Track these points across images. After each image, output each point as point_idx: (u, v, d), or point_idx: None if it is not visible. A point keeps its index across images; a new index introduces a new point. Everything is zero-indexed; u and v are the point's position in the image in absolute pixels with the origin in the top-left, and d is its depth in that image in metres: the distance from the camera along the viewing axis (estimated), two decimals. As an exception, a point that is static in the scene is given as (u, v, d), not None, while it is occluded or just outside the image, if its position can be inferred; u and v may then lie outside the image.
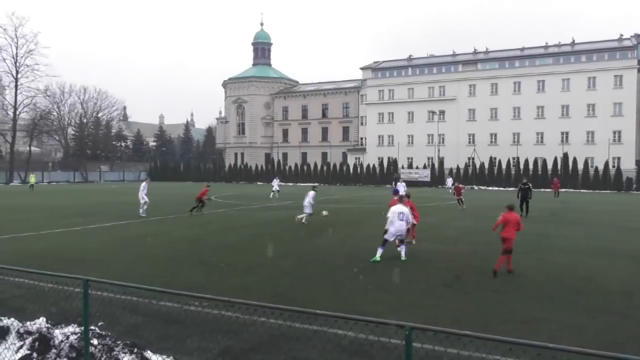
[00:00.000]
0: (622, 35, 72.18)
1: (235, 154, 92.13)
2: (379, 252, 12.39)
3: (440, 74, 76.46)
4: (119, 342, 6.32)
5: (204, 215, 23.66)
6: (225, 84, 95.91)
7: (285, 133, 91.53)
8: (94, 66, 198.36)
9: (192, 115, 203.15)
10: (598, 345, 6.40)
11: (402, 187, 32.06)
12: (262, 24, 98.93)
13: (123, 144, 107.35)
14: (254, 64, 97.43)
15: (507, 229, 11.24)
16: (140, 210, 22.80)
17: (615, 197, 43.45)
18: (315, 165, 77.66)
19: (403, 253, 12.56)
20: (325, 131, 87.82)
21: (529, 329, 7.19)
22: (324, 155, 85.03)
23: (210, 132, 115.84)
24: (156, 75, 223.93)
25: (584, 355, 3.49)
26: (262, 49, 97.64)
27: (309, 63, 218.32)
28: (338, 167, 75.42)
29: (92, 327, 6.37)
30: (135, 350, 6.15)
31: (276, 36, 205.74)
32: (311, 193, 21.24)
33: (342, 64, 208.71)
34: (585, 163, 60.51)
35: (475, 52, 79.53)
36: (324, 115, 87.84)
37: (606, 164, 59.79)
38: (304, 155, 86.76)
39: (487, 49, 79.36)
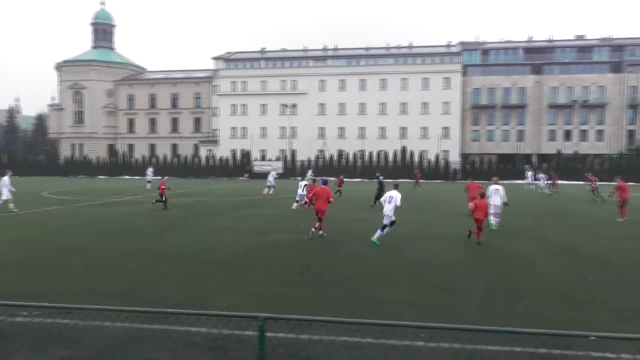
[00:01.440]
0: (449, 42, 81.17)
1: (73, 145, 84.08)
2: (378, 234, 13.71)
3: (292, 68, 78.24)
4: None
5: (36, 214, 21.17)
6: (59, 67, 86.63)
7: (131, 123, 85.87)
8: None
9: (17, 100, 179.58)
10: (432, 319, 7.10)
11: (272, 177, 33.04)
12: (102, 3, 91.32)
13: None
14: (94, 47, 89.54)
15: (478, 212, 14.00)
16: (11, 206, 21.42)
17: (445, 186, 48.77)
18: (165, 157, 74.33)
19: (376, 235, 13.72)
20: (175, 122, 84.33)
21: (374, 309, 7.70)
22: (174, 147, 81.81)
23: (41, 120, 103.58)
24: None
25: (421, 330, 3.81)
26: (103, 31, 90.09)
27: (157, 49, 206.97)
28: (190, 160, 73.09)
29: None
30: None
31: (120, 17, 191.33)
32: (302, 183, 24.39)
33: (193, 52, 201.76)
34: (420, 155, 67.03)
35: (325, 49, 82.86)
36: (174, 105, 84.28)
37: (437, 156, 66.97)
38: (152, 146, 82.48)
39: (335, 46, 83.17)
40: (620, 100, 70.69)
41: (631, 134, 71.02)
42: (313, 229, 14.70)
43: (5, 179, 21.90)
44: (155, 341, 6.04)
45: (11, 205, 21.47)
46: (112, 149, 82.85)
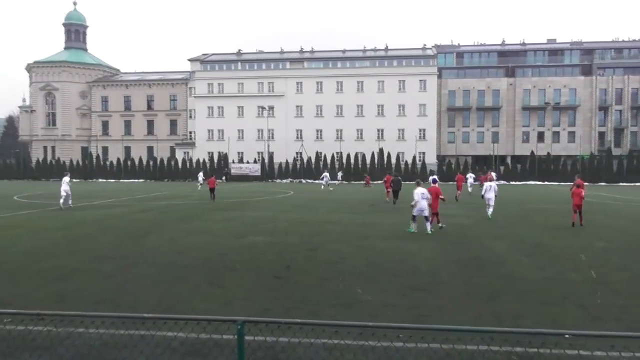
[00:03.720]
0: (425, 45, 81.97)
1: (45, 148, 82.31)
2: (413, 226, 16.02)
3: (269, 70, 77.98)
4: None
5: (6, 218, 20.64)
6: (30, 68, 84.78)
7: (105, 125, 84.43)
8: None
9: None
10: (409, 319, 7.16)
11: (327, 178, 46.93)
12: (75, 3, 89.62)
13: None
14: (66, 48, 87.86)
15: (574, 196, 17.72)
16: (62, 202, 24.48)
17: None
18: (141, 160, 73.35)
19: (428, 228, 15.88)
20: (151, 124, 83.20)
21: (352, 311, 7.72)
22: (150, 149, 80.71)
23: (11, 122, 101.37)
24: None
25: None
26: (75, 31, 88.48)
27: (131, 50, 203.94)
28: (166, 162, 72.25)
29: None
30: None
31: (93, 18, 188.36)
32: (325, 174, 39.12)
33: (168, 53, 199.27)
34: (397, 157, 67.51)
35: (301, 51, 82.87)
36: (150, 107, 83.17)
37: (414, 158, 67.54)
38: (128, 149, 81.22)
39: (312, 49, 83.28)
40: (590, 103, 72.49)
41: (601, 136, 72.89)
42: (438, 223, 16.93)
43: (66, 178, 25.50)
44: (131, 347, 5.95)
45: (70, 202, 24.94)
46: (85, 152, 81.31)
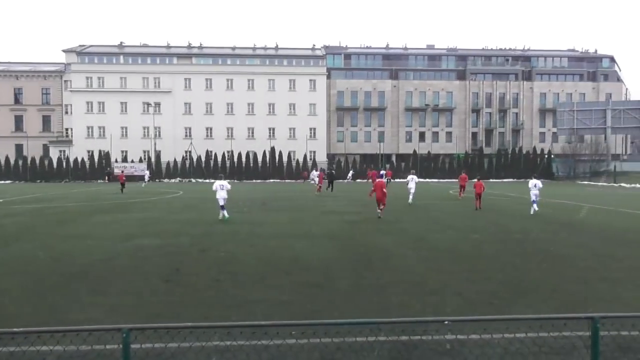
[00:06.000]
0: (314, 45, 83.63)
1: None
2: (224, 213, 19.18)
3: (154, 65, 74.56)
4: None
5: None
6: None
7: (-38, 120, 74.85)
8: None
9: None
10: (302, 316, 7.28)
11: (315, 175, 46.91)
12: None
13: None
14: None
15: (476, 187, 22.90)
16: None
17: (312, 186, 50.18)
18: (8, 159, 66.32)
19: (225, 213, 19.18)
20: (19, 119, 75.30)
21: (245, 311, 7.66)
22: (19, 147, 73.08)
23: None
24: None
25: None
26: None
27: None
28: (38, 162, 66.03)
29: None
30: None
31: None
32: (313, 172, 45.01)
33: (39, 42, 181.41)
34: (289, 156, 68.20)
35: (189, 47, 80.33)
36: (17, 100, 75.25)
37: (305, 156, 68.70)
38: (-9, 147, 72.84)
39: (201, 44, 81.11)
40: (465, 105, 78.97)
41: (474, 136, 79.73)
42: (379, 211, 19.82)
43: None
44: (-2, 367, 5.35)
45: None
46: (-62, 150, 71.47)
